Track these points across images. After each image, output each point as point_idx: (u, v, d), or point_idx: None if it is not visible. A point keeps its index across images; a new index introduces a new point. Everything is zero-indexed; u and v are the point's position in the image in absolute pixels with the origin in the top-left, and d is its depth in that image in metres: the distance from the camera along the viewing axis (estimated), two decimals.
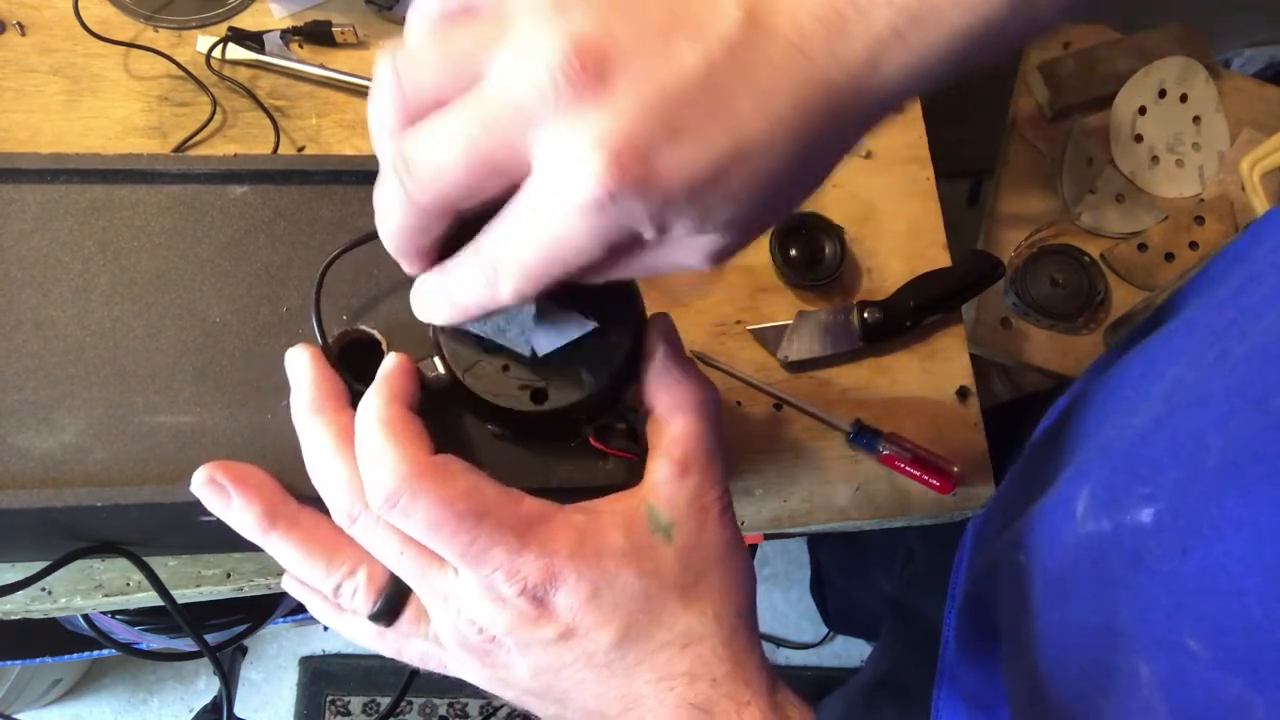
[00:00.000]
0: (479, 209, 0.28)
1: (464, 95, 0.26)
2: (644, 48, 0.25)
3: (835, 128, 0.26)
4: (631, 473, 0.36)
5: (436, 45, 0.27)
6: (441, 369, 0.36)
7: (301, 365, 0.35)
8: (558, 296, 0.34)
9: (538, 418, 0.35)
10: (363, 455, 0.32)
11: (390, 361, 0.34)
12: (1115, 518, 0.37)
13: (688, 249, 0.28)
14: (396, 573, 0.34)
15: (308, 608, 0.38)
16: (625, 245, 0.27)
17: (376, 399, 0.33)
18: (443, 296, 0.31)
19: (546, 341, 0.35)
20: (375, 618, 0.35)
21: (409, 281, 0.40)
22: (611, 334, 0.35)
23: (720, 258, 0.29)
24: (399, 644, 0.36)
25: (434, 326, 0.36)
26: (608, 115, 0.24)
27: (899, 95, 0.27)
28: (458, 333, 0.35)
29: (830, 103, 0.26)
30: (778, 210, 0.28)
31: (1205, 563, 0.31)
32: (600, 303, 0.35)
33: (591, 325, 0.35)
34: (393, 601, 0.35)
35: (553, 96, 0.24)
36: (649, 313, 0.37)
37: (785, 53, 0.25)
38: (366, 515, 0.33)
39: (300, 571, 0.35)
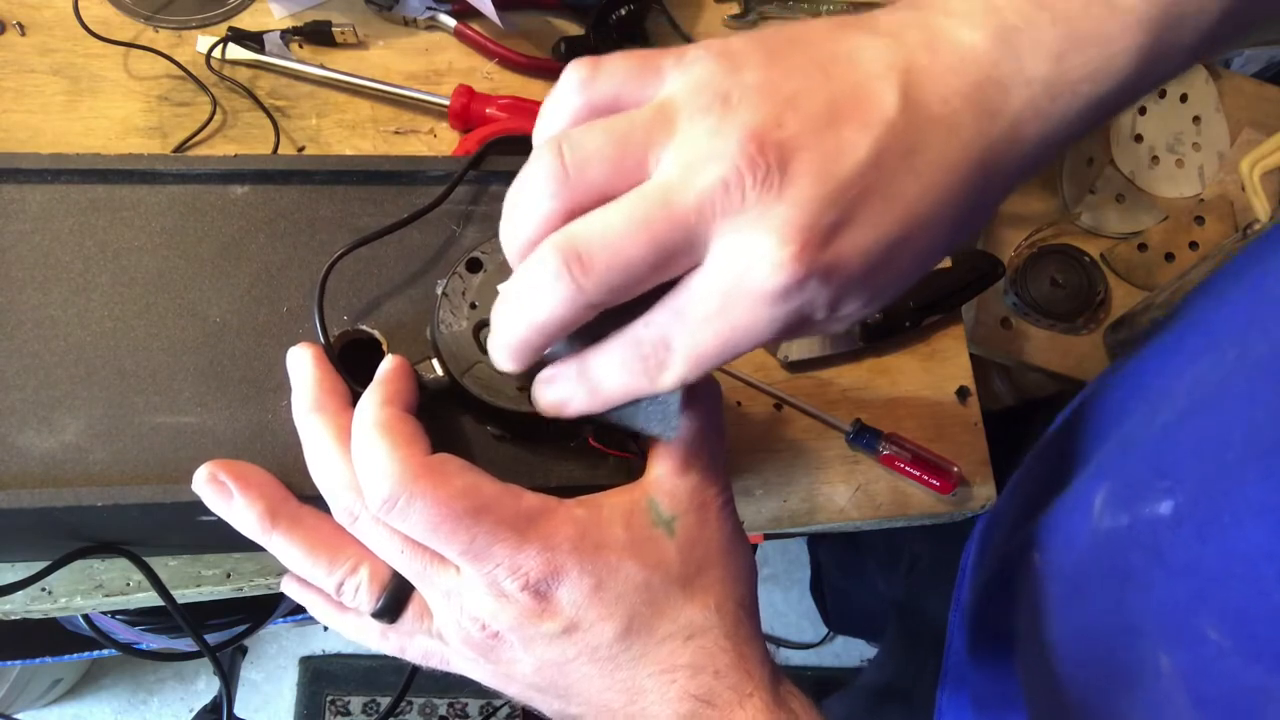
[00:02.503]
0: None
1: (635, 189, 0.26)
2: (815, 138, 0.26)
3: (984, 197, 0.28)
4: (631, 472, 0.36)
5: (601, 134, 0.27)
6: (440, 371, 0.36)
7: (303, 364, 0.35)
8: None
9: (537, 418, 0.35)
10: (359, 459, 0.32)
11: (387, 364, 0.34)
12: (1133, 511, 0.37)
13: (843, 320, 0.29)
14: (398, 570, 0.34)
15: (309, 610, 0.38)
16: (796, 328, 0.28)
17: (373, 401, 0.33)
18: (584, 389, 0.31)
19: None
20: (378, 615, 0.35)
21: (410, 282, 0.40)
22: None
23: (861, 320, 0.31)
24: (402, 642, 0.36)
25: (431, 327, 0.36)
26: (790, 206, 0.25)
27: (1038, 160, 0.28)
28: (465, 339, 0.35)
29: (980, 176, 0.27)
30: (924, 273, 0.30)
31: (1224, 551, 0.31)
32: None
33: None
34: (395, 598, 0.35)
35: (736, 191, 0.25)
36: None
37: (940, 133, 0.27)
38: (367, 514, 0.33)
39: (302, 570, 0.35)
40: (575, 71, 0.28)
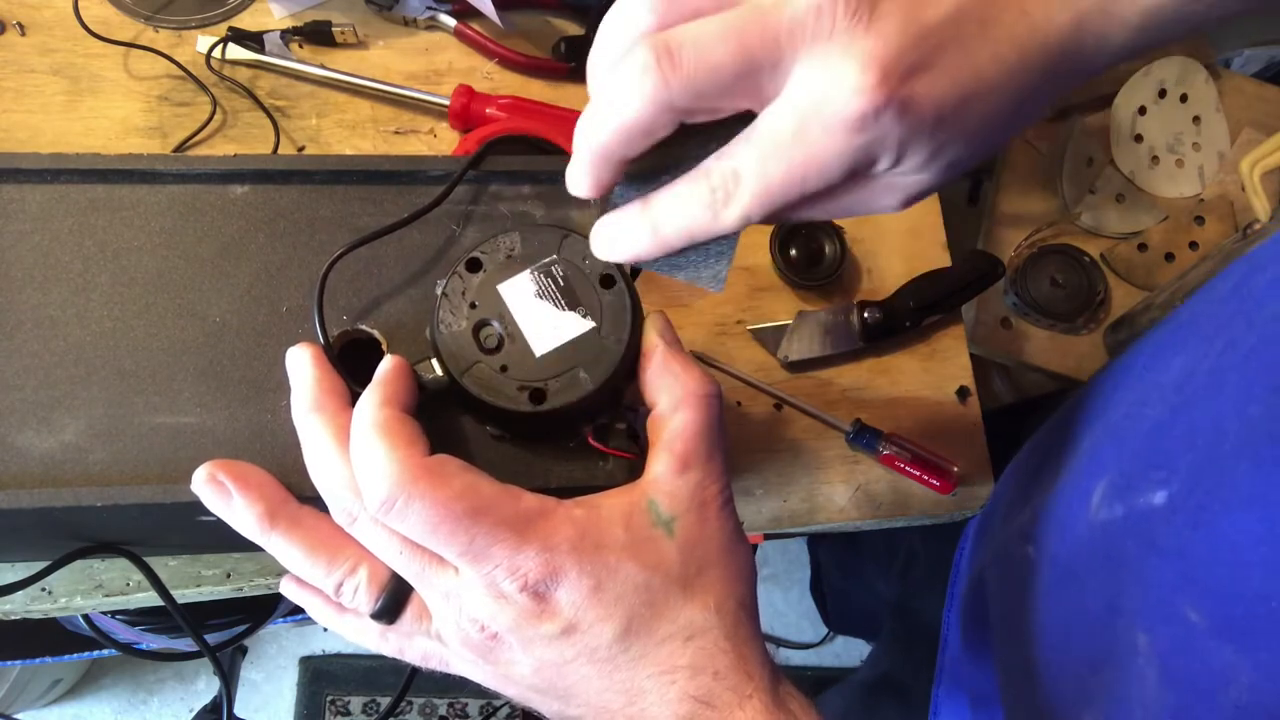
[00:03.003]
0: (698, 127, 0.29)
1: (730, 7, 0.28)
2: None
3: (1046, 82, 0.30)
4: (631, 472, 0.36)
5: None
6: (439, 371, 0.36)
7: (302, 364, 0.35)
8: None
9: (536, 418, 0.35)
10: (357, 460, 0.32)
11: (386, 364, 0.34)
12: (1128, 502, 0.37)
13: (897, 188, 0.31)
14: (397, 571, 0.34)
15: (308, 611, 0.38)
16: (860, 173, 0.29)
17: (371, 402, 0.33)
18: (646, 226, 0.31)
19: (544, 341, 0.35)
20: (377, 616, 0.35)
21: (410, 282, 0.40)
22: (608, 333, 0.35)
23: (914, 201, 0.32)
24: (401, 643, 0.36)
25: (431, 326, 0.36)
26: (877, 40, 0.27)
27: (1097, 59, 0.30)
28: (458, 328, 0.35)
29: (1044, 59, 0.29)
30: (983, 154, 0.31)
31: (1214, 537, 0.31)
32: (597, 303, 0.35)
33: (590, 325, 0.35)
34: (394, 599, 0.35)
35: (828, 16, 0.27)
36: (646, 311, 0.37)
37: (1014, 13, 0.29)
38: (366, 515, 0.33)
39: (301, 570, 0.35)
40: None
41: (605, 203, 0.33)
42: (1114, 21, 0.30)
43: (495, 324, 0.36)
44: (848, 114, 0.27)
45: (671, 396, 0.35)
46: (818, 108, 0.27)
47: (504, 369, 0.35)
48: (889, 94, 0.27)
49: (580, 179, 0.31)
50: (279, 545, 0.35)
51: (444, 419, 0.37)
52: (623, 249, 0.32)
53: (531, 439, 0.38)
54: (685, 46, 0.27)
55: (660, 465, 0.34)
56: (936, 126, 0.28)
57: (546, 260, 0.36)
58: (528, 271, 0.36)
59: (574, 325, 0.35)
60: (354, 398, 0.34)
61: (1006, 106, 0.29)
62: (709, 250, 0.33)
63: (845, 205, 0.31)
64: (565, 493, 0.34)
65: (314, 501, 0.35)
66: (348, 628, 0.37)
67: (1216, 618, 0.31)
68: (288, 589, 0.39)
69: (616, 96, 0.28)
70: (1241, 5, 0.31)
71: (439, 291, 0.36)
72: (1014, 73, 0.29)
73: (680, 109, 0.28)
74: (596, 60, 0.30)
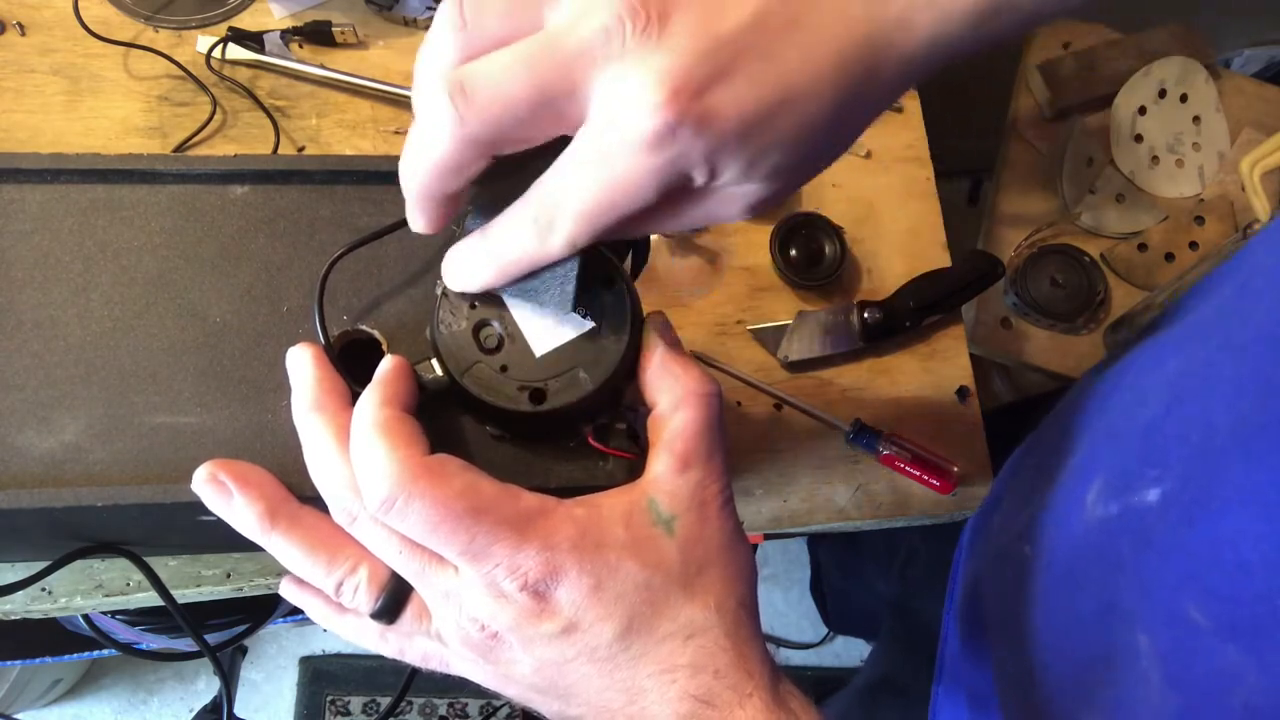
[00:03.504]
0: (517, 156, 0.29)
1: (528, 34, 0.27)
2: None
3: (870, 84, 0.29)
4: (631, 472, 0.36)
5: None
6: (439, 371, 0.36)
7: (302, 363, 0.35)
8: (591, 263, 0.34)
9: (537, 418, 0.35)
10: (357, 460, 0.32)
11: (386, 364, 0.34)
12: (1123, 501, 0.37)
13: (730, 199, 0.30)
14: (397, 571, 0.34)
15: (307, 612, 0.38)
16: (677, 191, 0.28)
17: (371, 402, 0.33)
18: (484, 256, 0.31)
19: (544, 341, 0.35)
20: (377, 616, 0.35)
21: (410, 282, 0.40)
22: (608, 333, 0.35)
23: (757, 209, 0.31)
24: (401, 643, 0.36)
25: (431, 327, 0.36)
26: (667, 54, 0.26)
27: (926, 59, 0.29)
28: (464, 314, 0.35)
29: (866, 59, 0.28)
30: (815, 164, 0.30)
31: (1210, 535, 0.31)
32: (597, 302, 0.35)
33: (589, 325, 0.35)
34: (394, 599, 0.35)
35: (616, 37, 0.26)
36: (645, 311, 0.37)
37: (828, 9, 0.27)
38: (366, 514, 0.33)
39: (301, 570, 0.35)
40: None
41: (459, 231, 0.34)
42: (946, 10, 0.28)
43: (495, 324, 0.36)
44: (642, 133, 0.26)
45: (672, 396, 0.35)
46: (615, 130, 0.27)
47: (504, 369, 0.35)
48: (681, 109, 0.26)
49: (413, 218, 0.32)
50: (279, 545, 0.35)
51: (444, 419, 0.37)
52: (468, 279, 0.33)
53: (532, 439, 0.38)
54: (479, 81, 0.27)
55: (660, 465, 0.34)
56: (744, 137, 0.27)
57: None
58: None
59: (574, 326, 0.35)
60: (354, 398, 0.34)
61: (826, 112, 0.28)
62: (555, 274, 0.33)
63: (686, 218, 0.31)
64: (565, 492, 0.34)
65: (314, 501, 0.35)
66: (347, 628, 0.37)
67: (1219, 618, 0.31)
68: (287, 591, 0.39)
69: (422, 136, 0.29)
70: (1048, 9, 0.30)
71: (439, 292, 0.36)
72: (828, 74, 0.28)
73: (485, 143, 0.28)
74: (414, 94, 0.30)
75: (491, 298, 0.36)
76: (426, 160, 0.29)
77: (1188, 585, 0.32)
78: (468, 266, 0.33)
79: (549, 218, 0.29)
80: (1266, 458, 0.29)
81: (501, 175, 0.32)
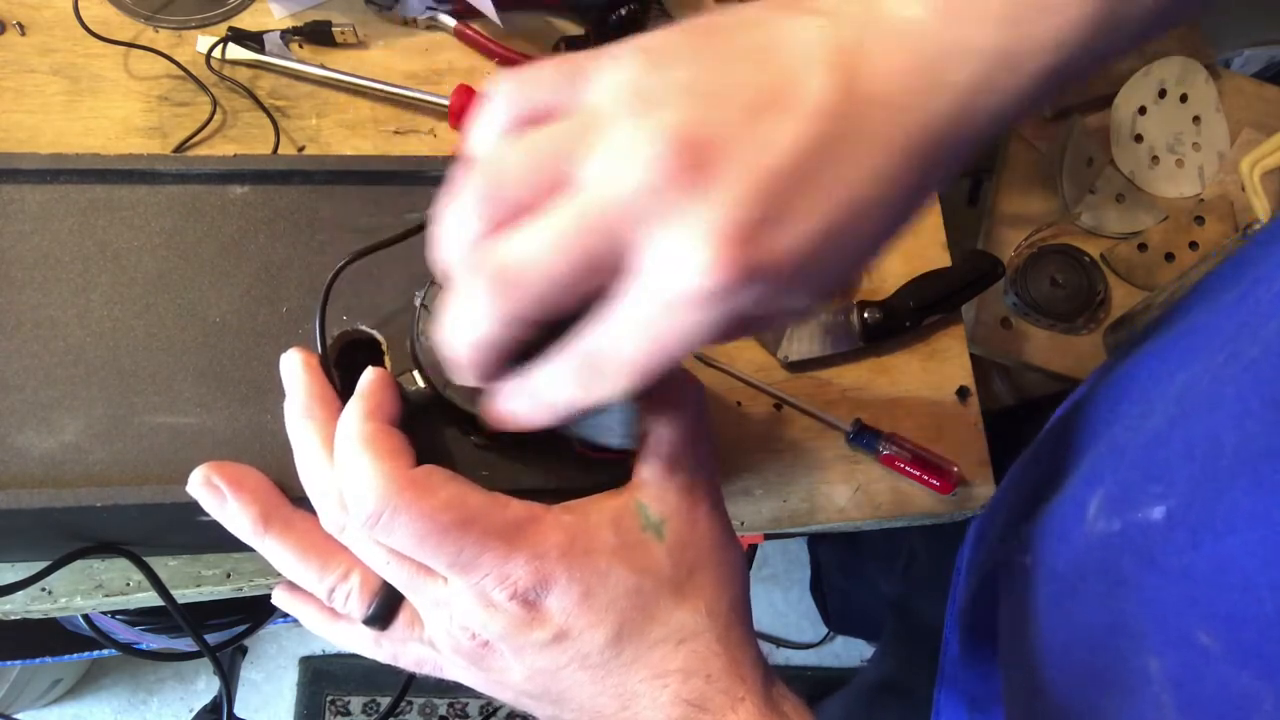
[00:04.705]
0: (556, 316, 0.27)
1: (557, 200, 0.26)
2: (740, 133, 0.25)
3: (936, 170, 0.27)
4: (617, 476, 0.36)
5: (522, 150, 0.26)
6: (421, 383, 0.35)
7: (294, 370, 0.35)
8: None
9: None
10: (342, 473, 0.31)
11: (368, 376, 0.34)
12: (1125, 516, 0.37)
13: (791, 315, 0.28)
14: (387, 580, 0.34)
15: (301, 620, 0.38)
16: (738, 327, 0.27)
17: (355, 415, 0.32)
18: (526, 399, 0.30)
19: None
20: (369, 622, 0.35)
21: (409, 282, 0.40)
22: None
23: (809, 312, 0.29)
24: (395, 649, 0.36)
25: (411, 338, 0.36)
26: (714, 206, 0.24)
27: (993, 130, 0.27)
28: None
29: (928, 153, 0.26)
30: (886, 245, 0.28)
31: (1217, 557, 0.31)
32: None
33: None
34: (386, 605, 0.35)
35: (657, 193, 0.24)
36: None
37: (881, 113, 0.25)
38: (354, 525, 0.33)
39: (294, 575, 0.35)
40: (501, 85, 0.28)
41: None
42: (1004, 88, 0.26)
43: None
44: (699, 294, 0.24)
45: (655, 399, 0.35)
46: (667, 292, 0.25)
47: None
48: (735, 264, 0.24)
49: (467, 379, 0.30)
50: (272, 549, 0.35)
51: (429, 430, 0.37)
52: (519, 420, 0.31)
53: (516, 447, 0.37)
54: (518, 264, 0.26)
55: (648, 468, 0.34)
56: (805, 271, 0.26)
57: None
58: None
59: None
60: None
61: (890, 215, 0.27)
62: (608, 412, 0.32)
63: (736, 338, 0.30)
64: (555, 496, 0.33)
65: (310, 504, 0.35)
66: (340, 634, 0.37)
67: (1229, 642, 0.30)
68: (280, 598, 0.39)
69: (465, 321, 0.27)
70: (1140, 33, 0.27)
71: (418, 303, 0.36)
72: (891, 182, 0.26)
73: (529, 320, 0.27)
74: (440, 264, 0.28)
75: None
76: (471, 337, 0.28)
77: (1193, 607, 0.32)
78: (514, 411, 0.31)
79: (597, 371, 0.28)
80: (1274, 485, 0.28)
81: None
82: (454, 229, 0.27)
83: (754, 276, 0.25)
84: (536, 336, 0.28)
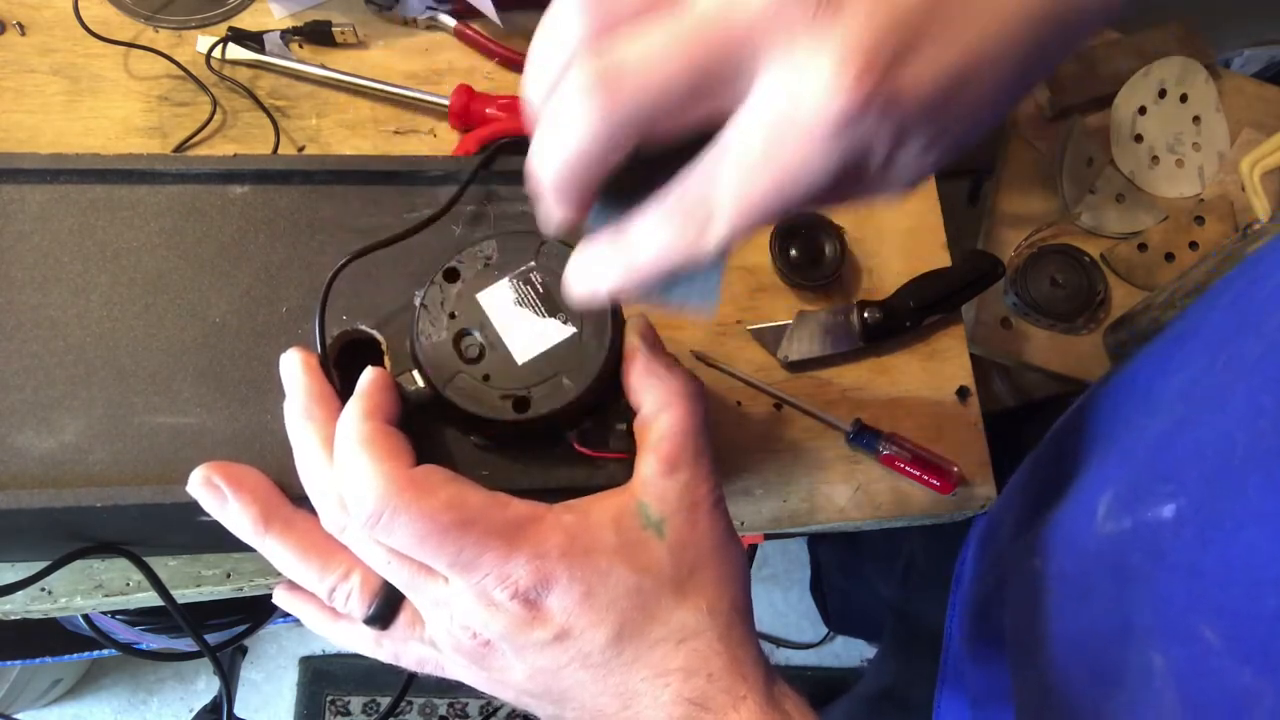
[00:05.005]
0: (660, 150, 0.26)
1: (675, 7, 0.24)
2: None
3: (1056, 36, 0.26)
4: (618, 475, 0.36)
5: None
6: (421, 382, 0.36)
7: (294, 370, 0.35)
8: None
9: (521, 426, 0.35)
10: (342, 474, 0.31)
11: (367, 376, 0.34)
12: (1136, 515, 0.37)
13: (898, 178, 0.27)
14: (388, 580, 0.34)
15: (302, 619, 0.38)
16: (853, 173, 0.25)
17: (354, 415, 0.32)
18: (619, 256, 0.28)
19: (525, 349, 0.35)
20: (370, 621, 0.35)
21: (410, 282, 0.40)
22: (590, 338, 0.35)
23: (917, 184, 0.28)
24: (396, 649, 0.36)
25: (411, 338, 0.36)
26: (846, 29, 0.23)
27: (1109, 10, 0.27)
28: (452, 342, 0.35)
29: (1048, 18, 0.26)
30: (988, 126, 0.28)
31: (1225, 554, 0.31)
32: (576, 308, 0.35)
33: (571, 331, 0.35)
34: (387, 605, 0.35)
35: (788, 13, 0.23)
36: (626, 315, 0.37)
37: None
38: (354, 525, 0.33)
39: (295, 574, 0.35)
40: None
41: (583, 232, 0.30)
42: None
43: (475, 333, 0.36)
44: (825, 118, 0.23)
45: (655, 398, 0.35)
46: (792, 112, 0.24)
47: (486, 378, 0.35)
48: (870, 89, 0.23)
49: (549, 212, 0.28)
50: (272, 549, 0.35)
51: (429, 429, 0.37)
52: (603, 284, 0.28)
53: (517, 446, 0.37)
54: (629, 65, 0.24)
55: (648, 467, 0.34)
56: (931, 114, 0.25)
57: (524, 267, 0.36)
58: (506, 279, 0.36)
59: (555, 332, 0.35)
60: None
61: (1009, 73, 0.26)
62: (694, 276, 0.29)
63: (842, 199, 0.28)
64: (556, 496, 0.33)
65: (310, 503, 0.35)
66: (342, 634, 0.37)
67: (1233, 638, 0.30)
68: (280, 598, 0.39)
69: (562, 126, 0.25)
70: None
71: (417, 302, 0.36)
72: (1020, 33, 0.25)
73: (633, 132, 0.25)
74: (533, 81, 0.26)
75: (471, 306, 0.36)
76: (567, 150, 0.25)
77: (1200, 603, 0.32)
78: (598, 271, 0.28)
79: (705, 212, 0.26)
80: None
81: (627, 171, 0.27)
82: (554, 31, 0.25)
83: (883, 106, 0.24)
84: (631, 183, 0.26)
